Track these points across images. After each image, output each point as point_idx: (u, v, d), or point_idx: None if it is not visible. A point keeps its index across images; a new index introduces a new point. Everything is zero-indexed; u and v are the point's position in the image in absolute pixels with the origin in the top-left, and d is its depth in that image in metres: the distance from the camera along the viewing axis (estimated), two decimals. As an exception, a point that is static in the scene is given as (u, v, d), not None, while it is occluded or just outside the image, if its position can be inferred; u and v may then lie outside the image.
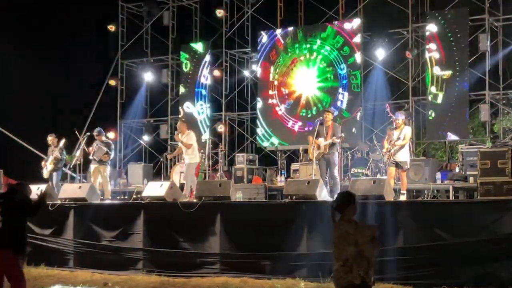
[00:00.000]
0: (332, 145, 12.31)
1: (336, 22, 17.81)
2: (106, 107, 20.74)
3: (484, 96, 16.50)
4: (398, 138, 11.68)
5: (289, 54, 18.37)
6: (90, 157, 14.14)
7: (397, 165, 11.75)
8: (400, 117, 11.94)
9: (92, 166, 14.15)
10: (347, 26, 17.54)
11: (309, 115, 17.82)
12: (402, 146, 11.69)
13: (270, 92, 18.55)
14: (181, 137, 13.53)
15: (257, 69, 19.03)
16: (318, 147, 12.34)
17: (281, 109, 18.30)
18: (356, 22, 17.42)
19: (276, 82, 18.46)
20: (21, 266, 7.33)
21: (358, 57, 17.27)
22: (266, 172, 17.09)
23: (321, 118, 13.04)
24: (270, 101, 18.52)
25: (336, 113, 16.19)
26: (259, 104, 18.73)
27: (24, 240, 7.37)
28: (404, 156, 11.81)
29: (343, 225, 5.97)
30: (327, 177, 12.33)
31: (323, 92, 17.81)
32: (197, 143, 13.99)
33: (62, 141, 14.47)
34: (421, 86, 17.65)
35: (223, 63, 19.87)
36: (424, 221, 10.01)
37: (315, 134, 12.49)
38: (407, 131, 11.87)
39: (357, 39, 17.25)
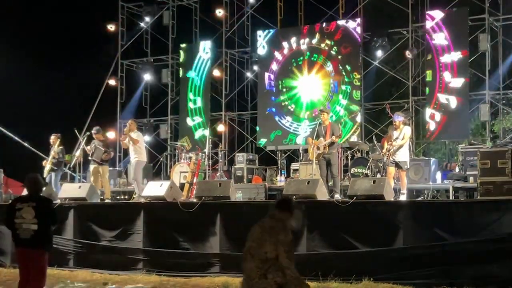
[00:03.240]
0: (332, 144, 12.32)
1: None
2: (106, 107, 20.73)
3: (484, 96, 16.51)
4: (397, 138, 11.69)
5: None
6: (90, 158, 14.14)
7: (397, 165, 11.76)
8: (398, 118, 11.93)
9: (91, 166, 14.15)
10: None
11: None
12: (401, 146, 11.70)
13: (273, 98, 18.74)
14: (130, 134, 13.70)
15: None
16: (318, 148, 12.34)
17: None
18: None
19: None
20: (47, 264, 7.84)
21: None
22: (266, 172, 17.07)
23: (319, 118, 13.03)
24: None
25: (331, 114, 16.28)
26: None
27: (52, 238, 8.01)
28: (403, 156, 11.81)
29: (269, 221, 5.71)
30: (327, 177, 12.34)
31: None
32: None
33: (58, 141, 14.44)
34: (421, 86, 17.65)
35: (223, 63, 19.87)
36: (424, 221, 9.99)
37: (314, 134, 12.51)
38: (407, 131, 11.88)
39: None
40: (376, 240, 10.20)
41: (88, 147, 14.08)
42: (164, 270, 11.41)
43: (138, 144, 13.60)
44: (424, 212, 10.19)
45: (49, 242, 7.77)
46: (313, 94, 18.08)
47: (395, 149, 11.65)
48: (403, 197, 11.69)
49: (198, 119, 19.74)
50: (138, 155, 13.66)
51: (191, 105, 19.89)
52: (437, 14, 16.54)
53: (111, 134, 17.60)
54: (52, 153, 14.33)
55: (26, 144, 16.61)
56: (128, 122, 14.08)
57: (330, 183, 12.49)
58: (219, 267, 11.18)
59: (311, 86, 18.13)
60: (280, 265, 5.57)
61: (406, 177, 12.26)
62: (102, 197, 13.86)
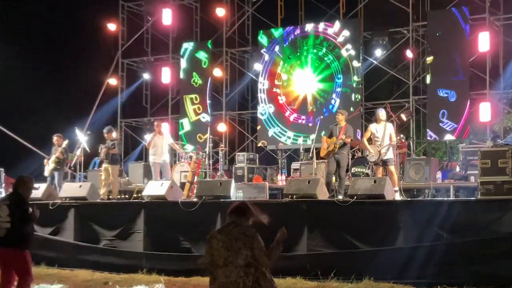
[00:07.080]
0: (343, 145, 12.30)
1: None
2: (107, 106, 20.74)
3: (485, 96, 16.49)
4: (384, 136, 11.77)
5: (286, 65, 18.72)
6: (100, 159, 14.26)
7: (384, 162, 11.84)
8: (382, 111, 12.16)
9: (103, 166, 14.19)
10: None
11: (314, 109, 18.09)
12: (391, 146, 11.84)
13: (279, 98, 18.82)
14: (160, 138, 14.12)
15: (264, 81, 19.12)
16: (329, 146, 12.33)
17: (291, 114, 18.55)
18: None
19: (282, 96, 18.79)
20: (30, 262, 7.74)
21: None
22: (267, 171, 17.06)
23: (321, 117, 13.05)
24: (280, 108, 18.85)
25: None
26: (271, 109, 18.87)
27: (32, 236, 7.93)
28: (389, 152, 11.97)
29: (238, 228, 5.42)
30: (335, 174, 12.40)
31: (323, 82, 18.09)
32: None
33: (65, 142, 14.47)
34: (421, 85, 17.64)
35: (224, 62, 19.88)
36: (424, 220, 10.00)
37: (329, 134, 12.55)
38: (392, 129, 12.02)
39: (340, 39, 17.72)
40: (376, 239, 10.21)
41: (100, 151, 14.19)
42: (164, 269, 11.41)
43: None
44: (425, 212, 10.18)
45: (25, 240, 7.65)
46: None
47: (384, 151, 11.77)
48: (396, 195, 11.65)
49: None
50: (157, 157, 14.11)
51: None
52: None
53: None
54: (57, 153, 14.31)
55: (26, 144, 16.63)
56: (156, 124, 14.53)
57: (335, 182, 12.52)
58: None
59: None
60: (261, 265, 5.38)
61: (407, 176, 12.26)
62: (109, 195, 13.86)
